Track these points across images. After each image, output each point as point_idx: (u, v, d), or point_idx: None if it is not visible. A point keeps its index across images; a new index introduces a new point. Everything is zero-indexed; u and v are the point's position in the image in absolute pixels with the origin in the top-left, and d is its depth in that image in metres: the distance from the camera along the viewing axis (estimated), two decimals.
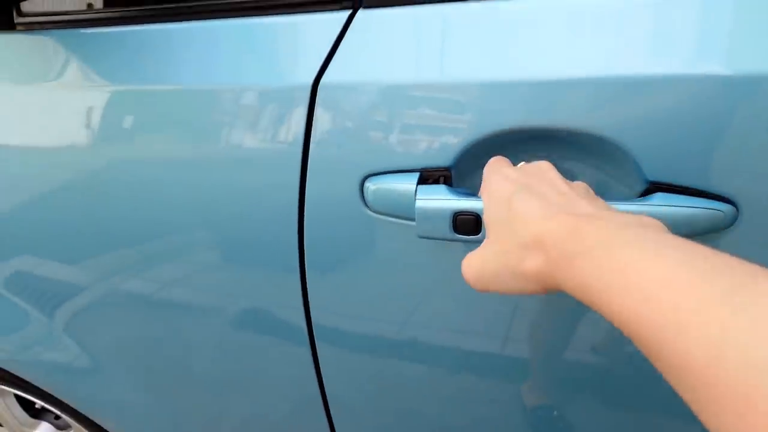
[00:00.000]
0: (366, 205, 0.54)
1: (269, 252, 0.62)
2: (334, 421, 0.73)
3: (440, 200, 0.49)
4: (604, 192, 0.47)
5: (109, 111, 0.63)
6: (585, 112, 0.46)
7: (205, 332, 0.72)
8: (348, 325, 0.63)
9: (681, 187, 0.45)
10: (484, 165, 0.45)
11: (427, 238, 0.50)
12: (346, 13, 0.53)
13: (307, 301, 0.62)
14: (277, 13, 0.56)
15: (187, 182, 0.62)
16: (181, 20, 0.59)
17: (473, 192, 0.50)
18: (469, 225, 0.48)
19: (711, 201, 0.44)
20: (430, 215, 0.49)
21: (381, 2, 0.52)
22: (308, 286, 0.61)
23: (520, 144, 0.49)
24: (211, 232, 0.64)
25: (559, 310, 0.57)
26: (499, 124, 0.48)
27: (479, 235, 0.48)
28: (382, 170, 0.52)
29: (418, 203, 0.49)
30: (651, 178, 0.46)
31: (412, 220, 0.51)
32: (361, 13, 0.52)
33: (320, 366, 0.67)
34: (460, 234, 0.49)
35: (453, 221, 0.48)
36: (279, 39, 0.57)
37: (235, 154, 0.58)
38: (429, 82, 0.51)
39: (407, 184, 0.51)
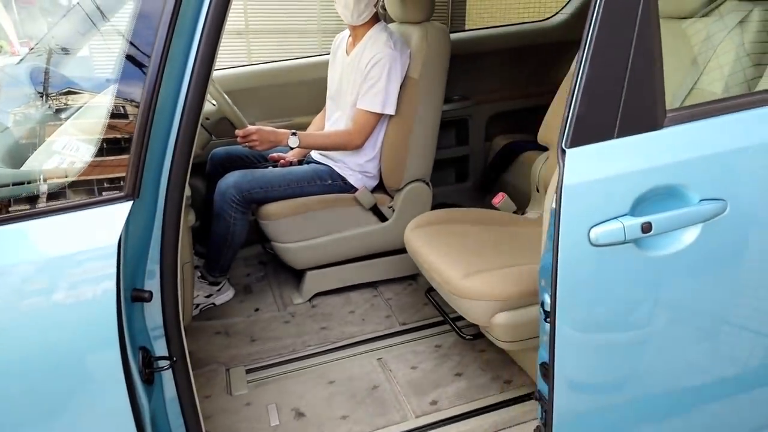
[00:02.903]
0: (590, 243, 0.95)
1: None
2: None
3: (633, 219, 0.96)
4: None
5: None
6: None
7: None
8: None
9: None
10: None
11: (628, 242, 0.95)
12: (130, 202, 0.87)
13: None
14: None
15: None
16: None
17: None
18: (648, 228, 0.95)
19: (715, 201, 0.99)
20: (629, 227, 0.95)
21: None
22: (557, 307, 0.98)
23: (657, 196, 0.97)
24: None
25: None
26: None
27: (652, 233, 0.95)
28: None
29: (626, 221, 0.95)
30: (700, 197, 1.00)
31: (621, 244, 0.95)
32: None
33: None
34: (643, 234, 0.95)
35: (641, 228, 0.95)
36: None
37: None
38: None
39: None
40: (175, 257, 0.93)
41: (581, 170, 0.93)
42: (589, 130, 0.93)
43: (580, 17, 2.82)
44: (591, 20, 0.90)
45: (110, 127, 0.90)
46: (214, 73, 2.38)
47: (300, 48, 9.23)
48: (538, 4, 7.25)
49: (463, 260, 1.56)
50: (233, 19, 9.02)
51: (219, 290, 2.20)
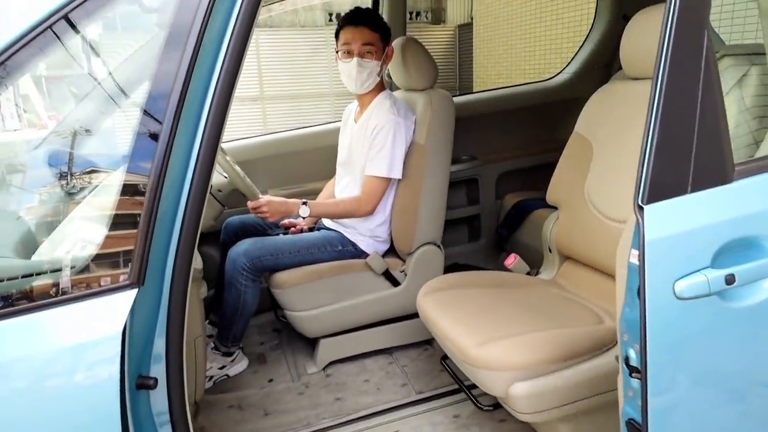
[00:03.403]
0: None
1: None
2: None
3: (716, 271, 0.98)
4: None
5: None
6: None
7: None
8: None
9: None
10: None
11: (712, 294, 0.96)
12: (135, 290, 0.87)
13: None
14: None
15: None
16: None
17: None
18: (731, 280, 0.96)
19: None
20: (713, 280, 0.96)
21: None
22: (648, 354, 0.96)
23: (737, 248, 0.98)
24: None
25: None
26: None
27: (735, 284, 0.96)
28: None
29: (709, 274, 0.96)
30: None
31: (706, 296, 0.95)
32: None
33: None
34: (727, 285, 0.96)
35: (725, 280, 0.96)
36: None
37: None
38: None
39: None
40: (181, 343, 0.92)
41: (660, 226, 0.96)
42: (663, 186, 0.96)
43: (582, 76, 2.88)
44: (657, 83, 0.94)
45: (116, 215, 0.92)
46: (226, 146, 2.46)
47: (314, 111, 9.53)
48: (543, 61, 7.45)
49: (476, 327, 1.52)
50: (249, 86, 9.40)
51: (232, 361, 2.17)
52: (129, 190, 0.91)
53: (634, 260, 0.95)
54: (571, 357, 1.41)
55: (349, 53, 1.99)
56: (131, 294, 0.84)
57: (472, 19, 9.52)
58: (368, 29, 1.98)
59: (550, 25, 7.03)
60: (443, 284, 1.82)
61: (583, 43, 2.97)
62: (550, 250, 1.98)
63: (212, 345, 2.15)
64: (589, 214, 1.76)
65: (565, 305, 1.70)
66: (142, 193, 0.85)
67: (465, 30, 9.91)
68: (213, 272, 2.34)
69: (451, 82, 10.55)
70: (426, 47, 2.16)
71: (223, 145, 2.29)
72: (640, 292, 0.94)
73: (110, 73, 1.19)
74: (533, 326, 1.52)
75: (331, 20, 9.71)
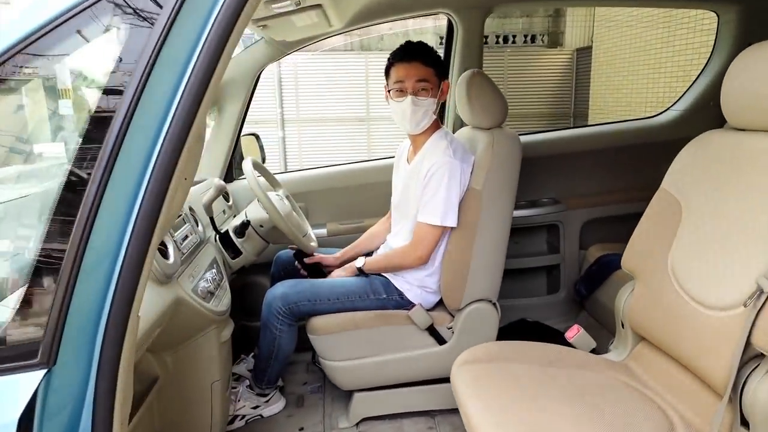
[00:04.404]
0: None
1: None
2: None
3: None
4: None
5: None
6: None
7: None
8: None
9: None
10: None
11: None
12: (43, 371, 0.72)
13: None
14: None
15: None
16: None
17: None
18: None
19: None
20: None
21: None
22: None
23: None
24: None
25: None
26: None
27: None
28: None
29: None
30: None
31: None
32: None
33: None
34: None
35: None
36: None
37: None
38: None
39: None
40: (110, 425, 0.81)
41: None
42: None
43: (693, 113, 2.47)
44: None
45: (35, 275, 0.81)
46: (282, 177, 2.41)
47: None
48: (668, 89, 6.74)
49: (507, 421, 1.27)
50: (356, 108, 9.62)
51: (267, 402, 2.08)
52: (50, 243, 0.80)
53: None
54: None
55: (402, 91, 1.84)
56: (37, 375, 0.74)
57: (592, 42, 8.94)
58: (421, 64, 1.82)
59: (679, 51, 6.34)
60: (484, 354, 1.57)
61: (698, 76, 2.55)
62: (622, 326, 1.65)
63: (248, 383, 2.08)
64: (672, 293, 1.42)
65: (629, 400, 1.38)
66: (62, 251, 0.74)
67: (583, 54, 9.33)
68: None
69: (566, 107, 9.98)
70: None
71: (277, 177, 2.24)
72: None
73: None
74: (580, 428, 1.23)
75: (441, 44, 9.67)
